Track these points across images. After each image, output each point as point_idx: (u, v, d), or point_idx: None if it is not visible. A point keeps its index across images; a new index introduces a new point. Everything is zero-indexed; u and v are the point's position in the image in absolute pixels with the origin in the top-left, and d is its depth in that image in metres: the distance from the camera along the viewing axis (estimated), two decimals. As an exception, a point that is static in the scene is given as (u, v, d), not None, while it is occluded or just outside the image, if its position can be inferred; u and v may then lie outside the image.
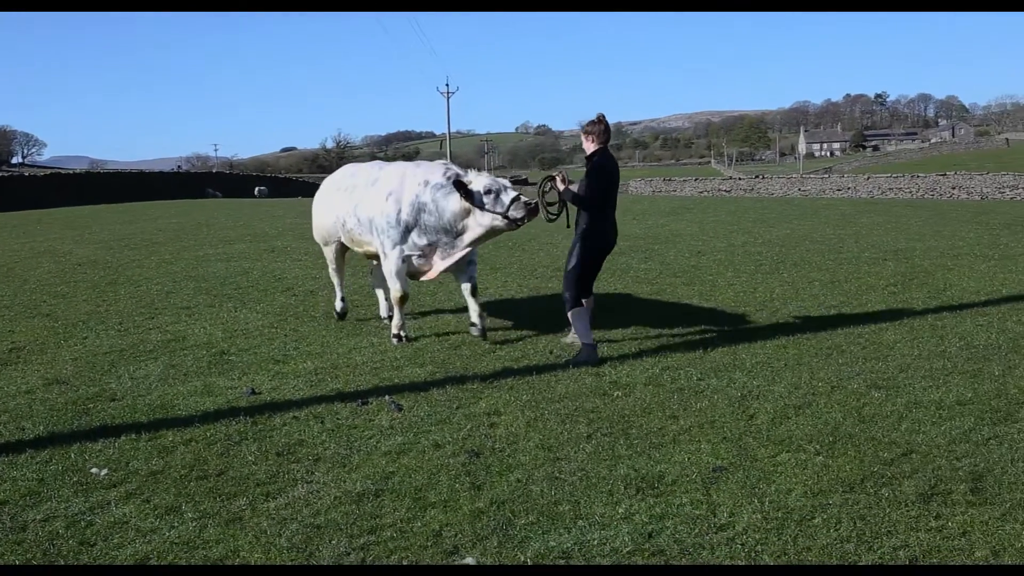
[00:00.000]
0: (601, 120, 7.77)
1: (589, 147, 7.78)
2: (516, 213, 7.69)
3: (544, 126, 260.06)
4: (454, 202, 7.92)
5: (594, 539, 4.07)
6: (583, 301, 7.66)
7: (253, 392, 6.58)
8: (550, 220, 8.08)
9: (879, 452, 5.06)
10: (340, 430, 5.68)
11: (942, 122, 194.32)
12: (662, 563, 3.87)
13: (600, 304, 8.83)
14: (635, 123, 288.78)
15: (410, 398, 6.35)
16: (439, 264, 8.22)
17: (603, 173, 7.66)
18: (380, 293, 9.52)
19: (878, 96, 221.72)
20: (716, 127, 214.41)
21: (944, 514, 4.25)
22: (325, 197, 9.23)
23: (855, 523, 4.17)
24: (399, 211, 8.09)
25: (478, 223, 7.89)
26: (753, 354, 7.39)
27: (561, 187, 7.73)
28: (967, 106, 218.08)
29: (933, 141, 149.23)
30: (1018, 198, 40.01)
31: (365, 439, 5.50)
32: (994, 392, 6.12)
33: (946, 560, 3.82)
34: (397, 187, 8.23)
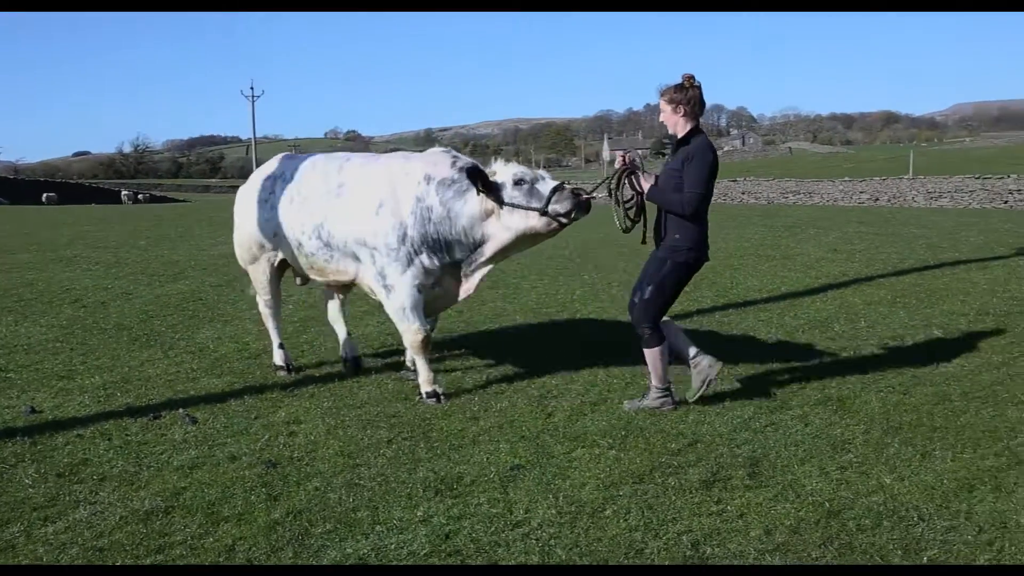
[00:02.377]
0: (691, 83, 5.73)
1: (679, 125, 5.78)
2: (561, 206, 5.90)
3: (354, 132, 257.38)
4: (471, 202, 6.12)
5: (391, 544, 4.06)
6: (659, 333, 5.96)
7: (33, 411, 6.14)
8: (626, 229, 6.04)
9: (667, 443, 5.30)
10: (129, 447, 5.40)
11: (733, 131, 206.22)
12: (458, 563, 3.91)
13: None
14: (445, 129, 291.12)
15: (205, 410, 6.12)
16: (456, 289, 6.45)
17: (712, 161, 5.70)
18: (340, 327, 7.44)
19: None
20: (524, 134, 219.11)
21: (724, 498, 4.51)
22: (252, 203, 7.05)
23: (643, 512, 4.35)
24: (401, 226, 6.17)
25: (506, 226, 6.07)
26: (553, 354, 7.59)
27: (645, 185, 5.86)
28: (755, 117, 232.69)
29: (726, 149, 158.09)
30: (799, 202, 43.01)
31: (156, 455, 5.26)
32: (771, 382, 6.54)
33: (725, 541, 4.04)
34: (388, 193, 6.26)
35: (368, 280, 6.46)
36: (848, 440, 5.32)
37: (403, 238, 6.16)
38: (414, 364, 6.66)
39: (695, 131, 5.74)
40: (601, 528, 4.20)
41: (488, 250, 6.22)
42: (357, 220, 6.35)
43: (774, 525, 4.19)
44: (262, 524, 4.27)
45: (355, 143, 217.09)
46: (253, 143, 74.53)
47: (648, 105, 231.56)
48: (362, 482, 4.79)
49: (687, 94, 5.67)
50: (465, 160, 6.33)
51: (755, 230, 18.62)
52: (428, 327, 6.33)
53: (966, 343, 7.88)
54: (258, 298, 7.39)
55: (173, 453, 5.27)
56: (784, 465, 4.93)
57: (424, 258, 6.21)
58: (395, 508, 4.44)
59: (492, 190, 6.03)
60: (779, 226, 19.64)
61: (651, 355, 5.93)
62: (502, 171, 6.13)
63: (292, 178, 6.84)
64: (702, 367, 5.96)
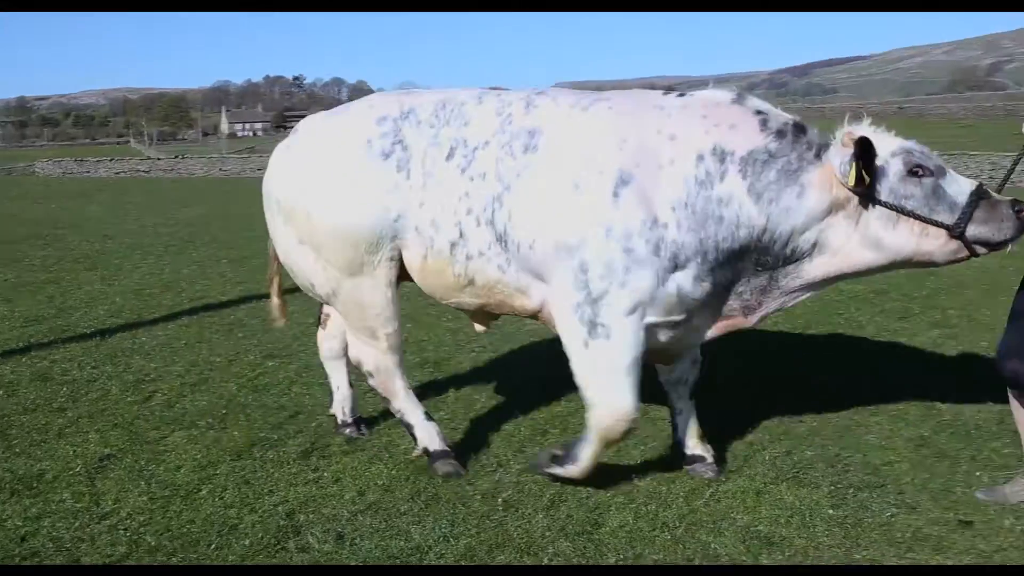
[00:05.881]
0: None
1: None
2: (991, 230, 3.72)
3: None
4: (811, 192, 3.80)
5: (-47, 554, 3.71)
6: None
7: None
8: None
9: (268, 418, 5.31)
10: None
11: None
12: (36, 564, 3.67)
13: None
14: (43, 99, 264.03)
15: None
16: (709, 326, 4.19)
17: None
18: (338, 379, 5.15)
19: (296, 78, 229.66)
20: (134, 105, 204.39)
21: (321, 466, 4.62)
22: (357, 165, 4.21)
23: (240, 488, 4.34)
24: (655, 226, 3.78)
25: (873, 242, 3.82)
26: (153, 336, 7.27)
27: None
28: (375, 91, 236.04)
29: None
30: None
31: None
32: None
33: (319, 507, 4.15)
34: (633, 163, 3.83)
35: (556, 311, 4.01)
36: (440, 399, 5.66)
37: (658, 246, 3.79)
38: (703, 447, 4.53)
39: None
40: (195, 509, 4.13)
41: (815, 271, 3.96)
42: (565, 203, 3.88)
43: (367, 486, 4.37)
44: None
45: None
46: None
47: (267, 76, 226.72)
48: (-80, 492, 4.31)
49: None
50: (780, 115, 3.95)
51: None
52: (637, 407, 4.02)
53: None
54: (368, 344, 4.54)
55: None
56: (381, 428, 5.15)
57: (686, 278, 3.85)
58: (-42, 516, 4.05)
59: (868, 174, 3.68)
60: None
61: None
62: (883, 141, 3.82)
63: (445, 119, 4.19)
64: None
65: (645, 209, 3.77)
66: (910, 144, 3.82)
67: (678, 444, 4.57)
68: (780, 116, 3.93)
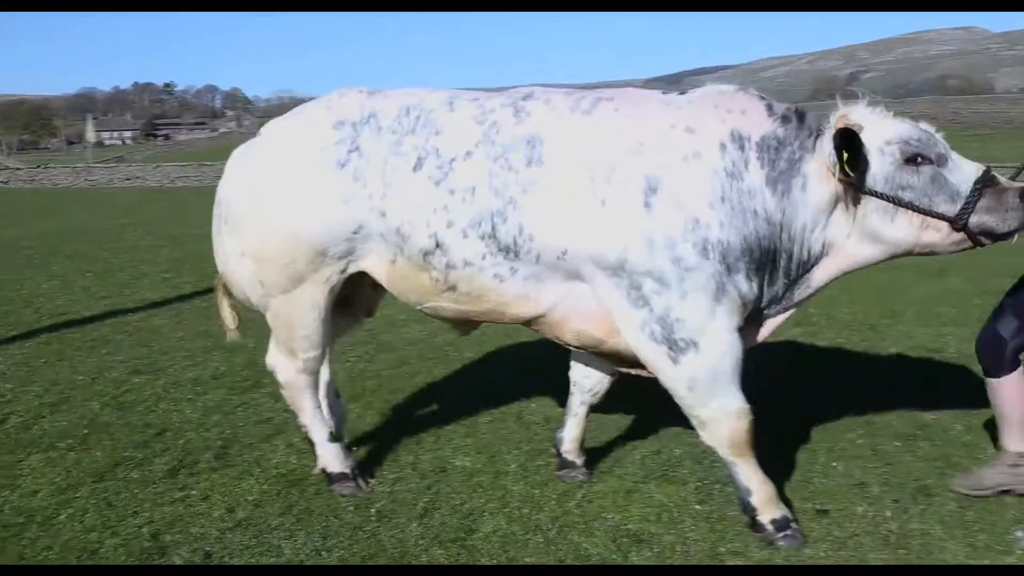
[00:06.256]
0: None
1: None
2: (995, 219, 3.54)
3: None
4: (816, 185, 3.59)
5: None
6: None
7: None
8: None
9: (133, 436, 5.13)
10: None
11: (229, 113, 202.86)
12: None
13: None
14: None
15: None
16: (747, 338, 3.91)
17: None
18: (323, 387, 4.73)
19: (166, 85, 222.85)
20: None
21: (189, 484, 4.49)
22: (310, 173, 3.91)
23: (101, 511, 4.17)
24: (698, 227, 3.53)
25: (871, 235, 3.65)
26: (9, 356, 6.93)
27: None
28: (250, 98, 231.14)
29: (222, 131, 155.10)
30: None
31: None
32: (246, 363, 6.61)
33: (187, 526, 4.03)
34: (655, 165, 3.58)
35: (620, 326, 3.73)
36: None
37: (706, 248, 3.54)
38: (579, 453, 4.56)
39: None
40: (53, 536, 3.95)
41: (821, 275, 3.80)
42: (595, 221, 3.61)
43: (237, 502, 4.27)
44: None
45: None
46: None
47: (136, 83, 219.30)
48: None
49: None
50: (779, 104, 3.78)
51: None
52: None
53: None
54: (287, 360, 4.33)
55: None
56: (251, 443, 5.03)
57: (743, 281, 3.62)
58: None
59: (860, 162, 3.50)
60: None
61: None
62: (871, 128, 3.56)
63: (410, 127, 3.88)
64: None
65: (681, 212, 3.53)
66: (909, 130, 3.56)
67: (557, 444, 4.58)
68: (780, 104, 3.77)
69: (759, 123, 3.63)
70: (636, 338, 3.69)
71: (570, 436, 4.54)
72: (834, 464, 4.63)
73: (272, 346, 4.43)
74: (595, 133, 3.68)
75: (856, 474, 4.50)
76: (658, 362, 3.71)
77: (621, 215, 3.55)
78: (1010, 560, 3.69)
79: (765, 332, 3.96)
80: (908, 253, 3.70)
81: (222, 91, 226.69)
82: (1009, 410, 4.12)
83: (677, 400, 3.81)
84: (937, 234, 3.57)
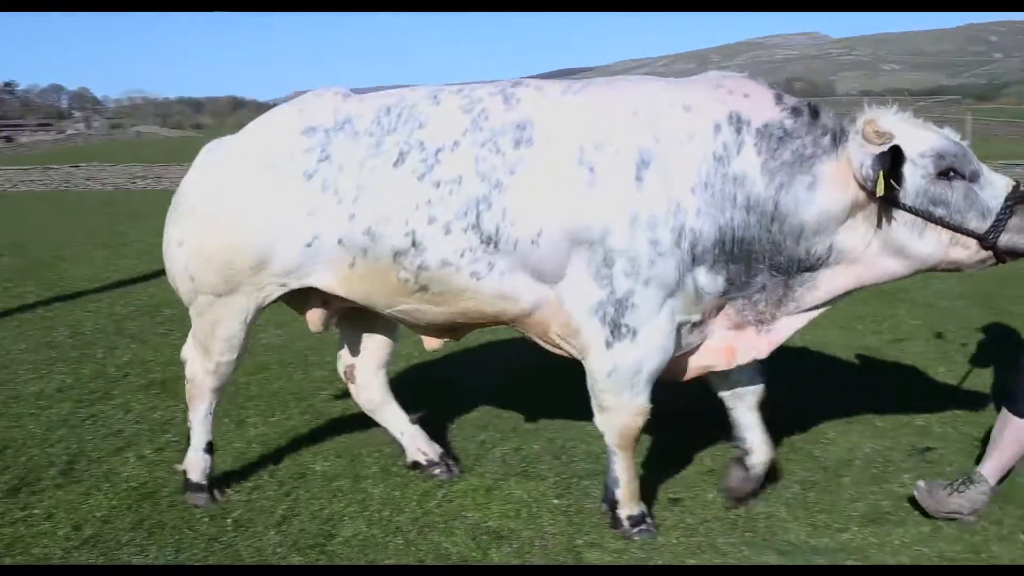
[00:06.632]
0: None
1: None
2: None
3: None
4: (826, 185, 3.44)
5: None
6: None
7: None
8: None
9: (-31, 455, 4.86)
10: None
11: (76, 114, 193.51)
12: None
13: None
14: None
15: None
16: (742, 340, 3.80)
17: None
18: (394, 416, 4.67)
19: (7, 85, 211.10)
20: None
21: (31, 503, 4.29)
22: (273, 182, 3.78)
23: (-67, 535, 3.95)
24: (679, 212, 3.42)
25: (895, 247, 3.49)
26: None
27: None
28: (100, 99, 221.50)
29: (69, 132, 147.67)
30: (148, 187, 42.12)
31: None
32: (94, 374, 6.35)
33: (29, 547, 3.86)
34: (651, 139, 3.47)
35: (571, 309, 3.63)
36: (168, 421, 5.40)
37: (680, 235, 3.44)
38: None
39: None
40: None
41: (833, 281, 3.64)
42: (579, 193, 3.47)
43: (84, 519, 4.11)
44: None
45: None
46: None
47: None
48: None
49: None
50: (791, 96, 3.62)
51: (94, 218, 17.73)
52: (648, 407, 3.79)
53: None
54: (200, 357, 4.19)
55: None
56: (99, 457, 4.84)
57: (703, 275, 3.53)
58: None
59: (895, 173, 3.32)
60: (120, 212, 18.93)
61: None
62: (903, 137, 3.36)
63: (391, 125, 3.74)
64: None
65: (668, 193, 3.41)
66: (943, 143, 3.41)
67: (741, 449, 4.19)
68: (792, 96, 3.62)
69: (763, 108, 3.51)
70: (583, 316, 3.59)
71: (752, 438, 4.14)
72: (693, 454, 4.79)
73: (190, 338, 4.30)
74: (588, 108, 3.60)
75: (707, 462, 4.69)
76: (592, 342, 3.62)
77: (608, 186, 3.45)
78: (846, 536, 3.91)
79: (774, 338, 3.76)
80: (933, 269, 3.59)
81: (69, 91, 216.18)
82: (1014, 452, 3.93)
83: (589, 380, 3.75)
84: (965, 251, 3.45)
